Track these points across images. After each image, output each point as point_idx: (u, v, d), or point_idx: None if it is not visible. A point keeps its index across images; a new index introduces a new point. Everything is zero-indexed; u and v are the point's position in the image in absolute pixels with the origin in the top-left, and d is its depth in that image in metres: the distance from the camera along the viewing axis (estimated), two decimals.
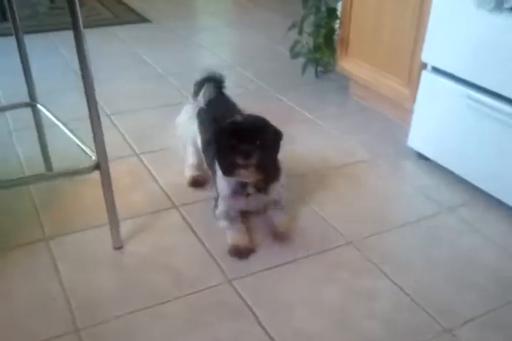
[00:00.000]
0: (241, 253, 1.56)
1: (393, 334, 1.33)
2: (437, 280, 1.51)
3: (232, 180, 1.55)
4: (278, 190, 1.64)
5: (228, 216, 1.63)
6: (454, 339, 1.33)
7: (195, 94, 1.86)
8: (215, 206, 1.66)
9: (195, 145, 1.83)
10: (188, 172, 1.89)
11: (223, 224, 1.63)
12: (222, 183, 1.60)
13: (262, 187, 1.58)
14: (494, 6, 1.61)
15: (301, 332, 1.33)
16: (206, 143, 1.69)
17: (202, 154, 1.78)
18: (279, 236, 1.64)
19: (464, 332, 1.34)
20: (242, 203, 1.61)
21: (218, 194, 1.65)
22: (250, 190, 1.57)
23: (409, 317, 1.38)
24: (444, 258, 1.59)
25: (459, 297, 1.45)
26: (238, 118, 1.53)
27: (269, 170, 1.53)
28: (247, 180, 1.54)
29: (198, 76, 1.89)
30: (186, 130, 1.86)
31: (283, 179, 1.64)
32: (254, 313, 1.37)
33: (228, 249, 1.57)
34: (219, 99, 1.83)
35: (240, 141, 1.45)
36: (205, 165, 1.79)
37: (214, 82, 1.85)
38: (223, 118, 1.57)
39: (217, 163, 1.56)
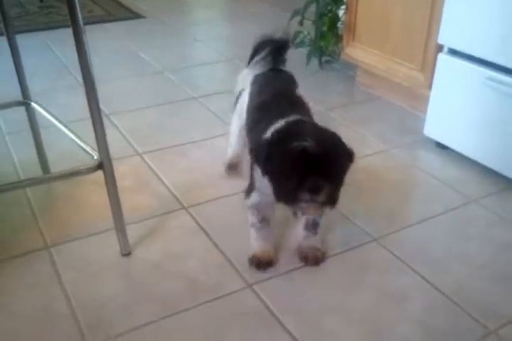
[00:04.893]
0: (262, 265, 1.42)
1: (433, 338, 1.22)
2: (474, 276, 1.40)
3: None
4: None
5: (260, 214, 1.41)
6: (500, 340, 1.21)
7: (252, 57, 1.66)
8: (246, 195, 1.42)
9: (242, 119, 1.60)
10: (229, 153, 1.80)
11: (252, 221, 1.42)
12: (264, 182, 1.31)
13: None
14: None
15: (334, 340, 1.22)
16: (252, 123, 1.46)
17: (245, 135, 1.55)
18: (309, 260, 1.45)
19: (510, 332, 1.23)
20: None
21: (253, 183, 1.39)
22: (299, 213, 1.39)
23: (447, 318, 1.27)
24: (478, 252, 1.48)
25: (499, 292, 1.35)
26: (310, 142, 1.17)
27: (334, 203, 1.24)
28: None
29: (258, 39, 1.66)
30: (238, 100, 1.68)
31: None
32: (280, 322, 1.25)
33: (249, 258, 1.43)
34: (277, 74, 1.62)
35: (309, 172, 1.16)
36: (246, 149, 1.57)
37: (275, 49, 1.61)
38: (279, 103, 1.38)
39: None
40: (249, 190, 1.40)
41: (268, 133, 1.29)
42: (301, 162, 1.16)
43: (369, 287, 1.36)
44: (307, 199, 1.18)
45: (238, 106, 1.67)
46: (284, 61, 1.67)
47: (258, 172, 1.33)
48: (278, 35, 1.64)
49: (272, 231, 1.44)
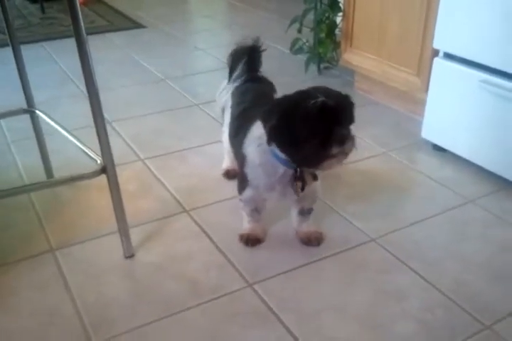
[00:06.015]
0: (250, 242, 1.52)
1: (429, 335, 1.24)
2: (471, 275, 1.42)
3: (276, 169, 1.32)
4: (316, 183, 1.43)
5: (253, 204, 1.48)
6: (495, 335, 1.24)
7: (230, 70, 1.73)
8: (239, 191, 1.47)
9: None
10: (224, 163, 1.85)
11: (244, 210, 1.51)
12: (258, 173, 1.36)
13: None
14: None
15: (333, 339, 1.24)
16: (234, 130, 1.52)
17: (229, 140, 1.61)
18: (312, 241, 1.53)
19: (505, 328, 1.25)
20: (275, 195, 1.41)
21: (245, 179, 1.42)
22: (308, 179, 1.34)
23: (445, 315, 1.29)
24: (475, 251, 1.51)
25: (495, 290, 1.37)
26: (322, 96, 1.17)
27: (352, 149, 1.24)
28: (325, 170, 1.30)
29: (232, 47, 1.74)
30: (222, 114, 1.73)
31: None
32: (280, 320, 1.28)
33: (240, 234, 1.54)
34: (254, 81, 1.67)
35: (335, 125, 1.17)
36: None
37: (250, 58, 1.68)
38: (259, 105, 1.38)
39: (247, 150, 1.36)
40: (243, 186, 1.45)
41: (252, 133, 1.35)
42: (325, 116, 1.16)
43: (367, 286, 1.39)
44: (336, 152, 1.19)
45: (226, 117, 1.69)
46: (259, 65, 1.73)
47: (249, 167, 1.38)
48: (248, 42, 1.69)
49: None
